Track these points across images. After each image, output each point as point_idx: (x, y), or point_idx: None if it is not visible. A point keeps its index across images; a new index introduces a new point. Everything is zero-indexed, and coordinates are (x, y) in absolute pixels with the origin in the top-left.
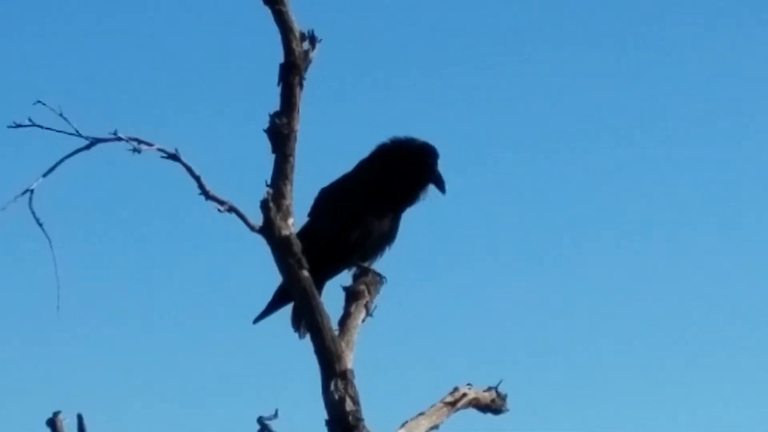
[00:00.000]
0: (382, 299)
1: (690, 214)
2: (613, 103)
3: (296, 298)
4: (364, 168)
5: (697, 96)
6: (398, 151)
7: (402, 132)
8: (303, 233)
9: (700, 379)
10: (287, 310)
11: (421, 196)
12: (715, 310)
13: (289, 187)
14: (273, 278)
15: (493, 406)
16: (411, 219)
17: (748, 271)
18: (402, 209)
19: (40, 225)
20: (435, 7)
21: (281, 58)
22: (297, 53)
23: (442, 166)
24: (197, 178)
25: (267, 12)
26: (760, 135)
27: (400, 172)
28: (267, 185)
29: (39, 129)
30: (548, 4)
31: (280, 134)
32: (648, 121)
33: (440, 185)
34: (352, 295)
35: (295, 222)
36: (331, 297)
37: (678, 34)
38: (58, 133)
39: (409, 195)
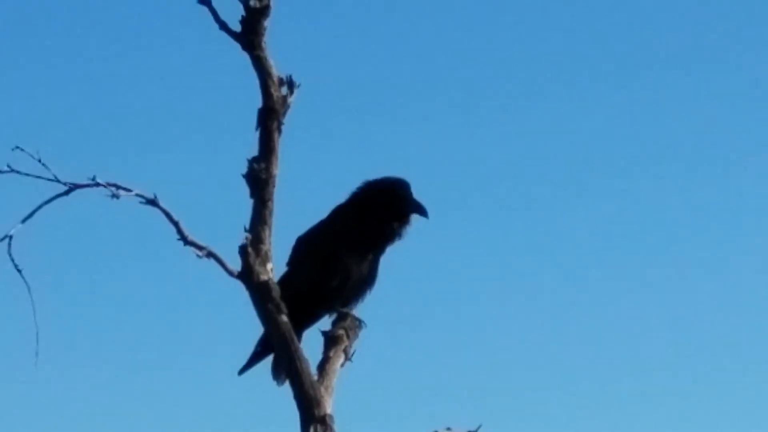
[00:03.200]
0: (360, 343)
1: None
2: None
3: (275, 344)
4: (340, 213)
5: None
6: (370, 192)
7: (381, 174)
8: (283, 281)
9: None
10: (270, 358)
11: (401, 232)
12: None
13: (267, 232)
14: (252, 323)
15: None
16: (390, 262)
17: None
18: (382, 249)
19: (19, 271)
20: (413, 50)
21: (259, 103)
22: (275, 98)
23: (419, 195)
24: (176, 224)
25: (245, 57)
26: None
27: (374, 212)
28: (245, 230)
29: (17, 175)
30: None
31: (259, 179)
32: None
33: (421, 211)
34: (331, 340)
35: (273, 267)
36: (310, 342)
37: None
38: (36, 179)
39: (387, 234)
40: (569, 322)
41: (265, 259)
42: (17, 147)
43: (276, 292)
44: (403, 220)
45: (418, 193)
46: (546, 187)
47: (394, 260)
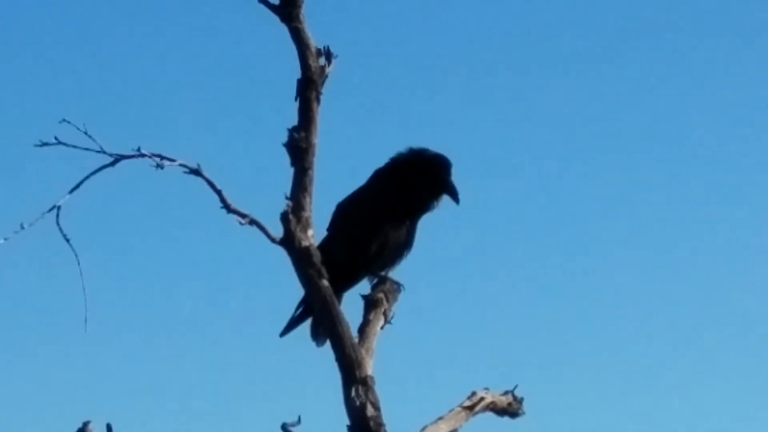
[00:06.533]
0: (400, 306)
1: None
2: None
3: (316, 308)
4: (379, 179)
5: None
6: (412, 163)
7: (417, 142)
8: (323, 246)
9: (709, 380)
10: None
11: (435, 206)
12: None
13: (308, 199)
14: (294, 288)
15: (509, 410)
16: (428, 226)
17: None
18: (418, 217)
19: (67, 240)
20: (450, 19)
21: (298, 74)
22: (314, 69)
23: (456, 176)
24: (219, 192)
25: (284, 29)
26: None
27: (414, 184)
28: (286, 198)
29: (65, 147)
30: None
31: (299, 148)
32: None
33: (454, 196)
34: (370, 304)
35: (314, 233)
36: (351, 305)
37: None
38: (83, 151)
39: (423, 205)
40: (608, 283)
41: (306, 226)
42: (64, 120)
43: (317, 257)
44: (437, 197)
45: (458, 170)
46: (584, 158)
47: (433, 223)
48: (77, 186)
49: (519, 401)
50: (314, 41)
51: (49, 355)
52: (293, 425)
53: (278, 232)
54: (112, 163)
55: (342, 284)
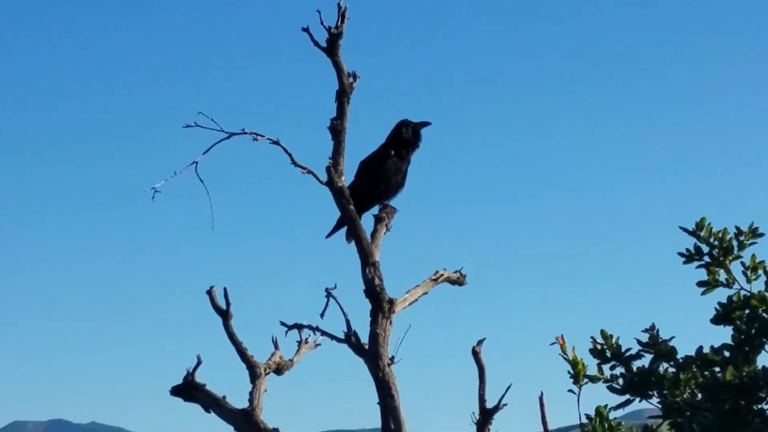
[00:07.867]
0: (395, 222)
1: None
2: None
3: (347, 222)
4: (383, 147)
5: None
6: (394, 129)
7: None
8: (351, 186)
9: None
10: (343, 230)
11: (417, 144)
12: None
13: (341, 159)
14: (333, 210)
15: (458, 281)
16: (411, 177)
17: None
18: (408, 158)
19: (202, 181)
20: (428, 52)
21: (336, 87)
22: (346, 84)
23: (418, 118)
24: (290, 155)
25: (329, 61)
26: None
27: (399, 139)
28: (329, 159)
29: (200, 128)
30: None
31: (336, 130)
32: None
33: (424, 124)
34: (378, 219)
35: (345, 179)
36: (367, 220)
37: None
38: (211, 130)
39: (408, 144)
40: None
41: (340, 174)
42: (200, 112)
43: (347, 192)
44: (415, 136)
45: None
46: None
47: (414, 178)
48: (207, 150)
49: (464, 276)
50: (346, 67)
51: (190, 247)
52: (332, 289)
53: (324, 178)
54: (227, 138)
55: (362, 208)
